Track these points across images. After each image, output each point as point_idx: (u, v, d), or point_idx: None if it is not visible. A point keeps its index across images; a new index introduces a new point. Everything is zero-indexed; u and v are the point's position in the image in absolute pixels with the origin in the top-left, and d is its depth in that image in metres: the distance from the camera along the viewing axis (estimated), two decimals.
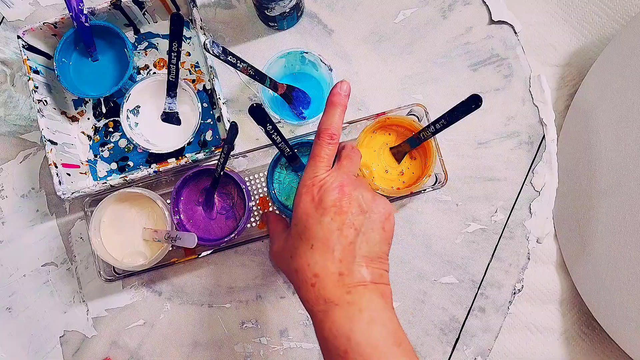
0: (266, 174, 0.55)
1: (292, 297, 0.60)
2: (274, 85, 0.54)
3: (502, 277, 0.60)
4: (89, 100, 0.62)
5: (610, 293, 0.57)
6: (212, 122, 0.61)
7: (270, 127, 0.45)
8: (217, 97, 0.56)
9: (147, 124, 0.59)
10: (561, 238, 0.64)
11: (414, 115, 0.58)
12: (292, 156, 0.50)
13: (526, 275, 0.60)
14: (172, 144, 0.57)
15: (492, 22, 0.62)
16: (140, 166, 0.61)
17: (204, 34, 0.58)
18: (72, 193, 0.55)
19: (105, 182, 0.56)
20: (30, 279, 0.62)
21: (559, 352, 0.65)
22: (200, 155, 0.55)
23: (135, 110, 0.58)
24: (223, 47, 0.46)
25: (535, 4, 0.65)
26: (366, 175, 0.54)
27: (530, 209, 0.60)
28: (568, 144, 0.64)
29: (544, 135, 0.61)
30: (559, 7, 0.65)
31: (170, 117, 0.58)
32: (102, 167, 0.61)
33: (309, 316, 0.60)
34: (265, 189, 0.59)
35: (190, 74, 0.62)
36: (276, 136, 0.46)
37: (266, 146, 0.58)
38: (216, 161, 0.52)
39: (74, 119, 0.62)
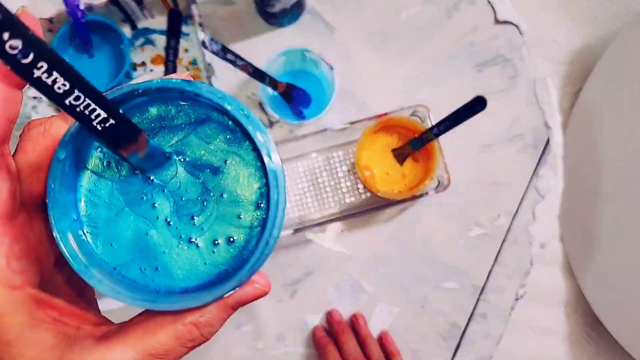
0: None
1: (289, 301, 0.59)
2: (273, 84, 0.53)
3: (505, 283, 0.59)
4: None
5: (616, 295, 0.56)
6: None
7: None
8: None
9: None
10: (566, 240, 0.63)
11: (417, 116, 0.56)
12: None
13: (530, 278, 0.59)
14: None
15: (497, 22, 0.61)
16: None
17: (203, 31, 0.57)
18: None
19: None
20: None
21: (563, 354, 0.64)
22: None
23: None
24: (222, 45, 0.45)
25: (539, 2, 0.64)
26: (367, 177, 0.53)
27: (534, 214, 0.59)
28: (573, 144, 0.63)
29: (548, 139, 0.60)
30: (563, 5, 0.64)
31: None
32: None
33: (306, 321, 0.59)
34: None
35: (188, 70, 0.60)
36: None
37: None
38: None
39: None
